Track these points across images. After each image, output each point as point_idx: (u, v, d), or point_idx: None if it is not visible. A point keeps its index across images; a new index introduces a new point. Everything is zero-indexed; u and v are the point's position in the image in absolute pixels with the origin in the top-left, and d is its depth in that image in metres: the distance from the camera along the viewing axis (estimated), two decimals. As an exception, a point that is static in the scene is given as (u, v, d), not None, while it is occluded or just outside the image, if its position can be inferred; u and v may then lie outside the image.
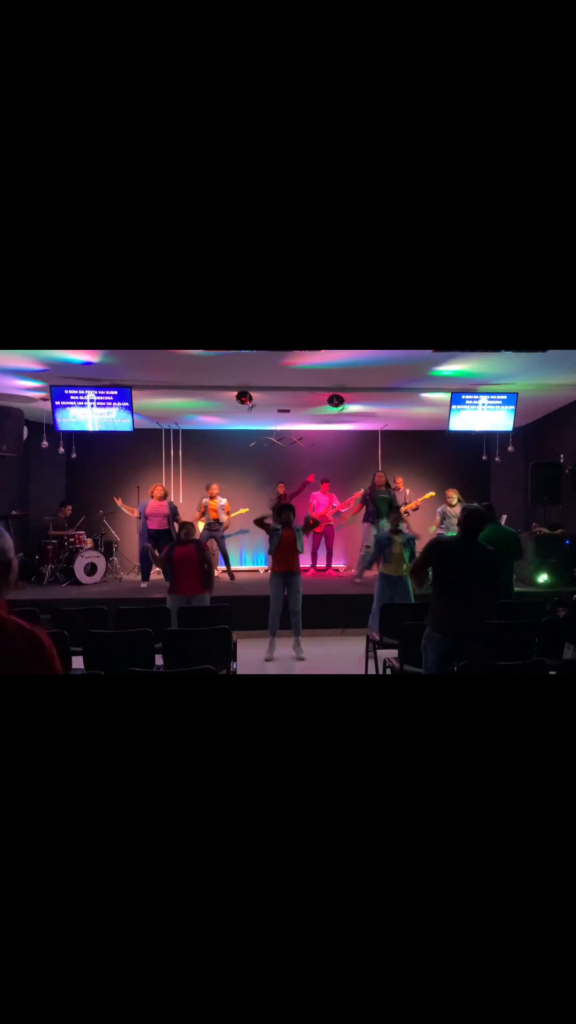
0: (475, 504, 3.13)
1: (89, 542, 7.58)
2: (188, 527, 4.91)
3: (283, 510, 5.31)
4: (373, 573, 7.09)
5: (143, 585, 6.93)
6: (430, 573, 2.91)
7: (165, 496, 7.10)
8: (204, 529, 7.42)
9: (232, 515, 7.67)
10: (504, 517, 7.80)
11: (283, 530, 5.19)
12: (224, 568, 7.51)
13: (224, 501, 7.57)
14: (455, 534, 3.08)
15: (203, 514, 7.49)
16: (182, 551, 4.79)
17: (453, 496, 7.06)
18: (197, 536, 5.07)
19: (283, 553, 5.18)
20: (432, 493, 7.55)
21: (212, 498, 7.50)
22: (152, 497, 7.02)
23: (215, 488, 7.57)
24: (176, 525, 5.12)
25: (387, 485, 7.22)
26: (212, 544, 7.21)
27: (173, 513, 7.01)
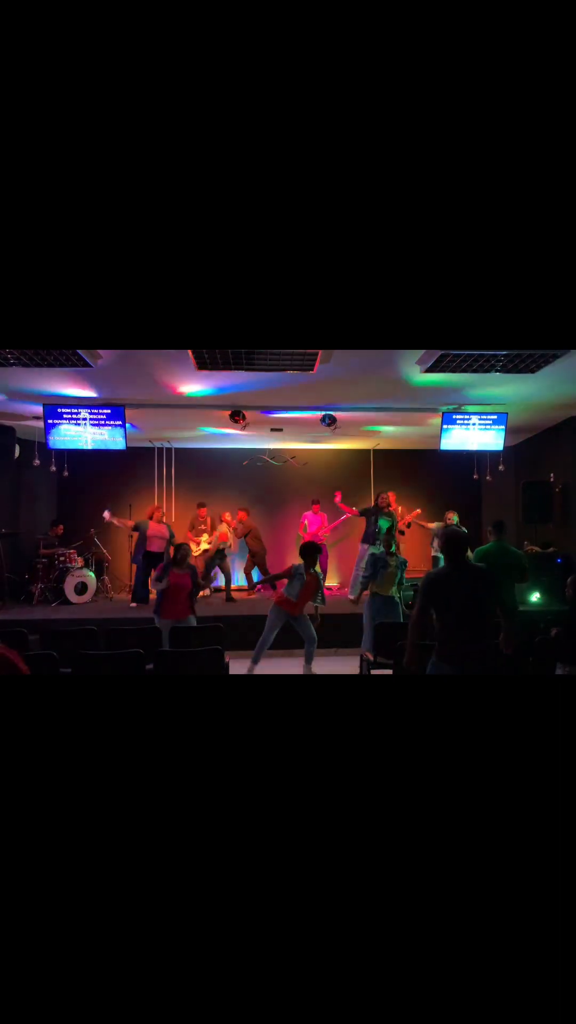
0: (454, 527, 3.09)
1: (80, 561, 7.52)
2: (184, 551, 4.86)
3: (308, 552, 4.89)
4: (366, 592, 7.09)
5: (132, 605, 6.87)
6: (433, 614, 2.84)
7: (163, 518, 7.06)
8: (216, 555, 7.38)
9: (216, 536, 7.67)
10: (496, 536, 7.85)
11: (307, 574, 4.83)
12: (223, 587, 7.51)
13: (224, 528, 7.58)
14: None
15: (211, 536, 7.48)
16: (177, 577, 4.75)
17: (453, 517, 7.07)
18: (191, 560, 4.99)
19: (302, 596, 4.84)
20: (419, 510, 7.59)
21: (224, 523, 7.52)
22: (151, 519, 6.94)
23: (227, 515, 7.63)
24: (171, 549, 5.00)
25: (388, 507, 7.22)
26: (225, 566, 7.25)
27: (171, 536, 6.97)
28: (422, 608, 2.84)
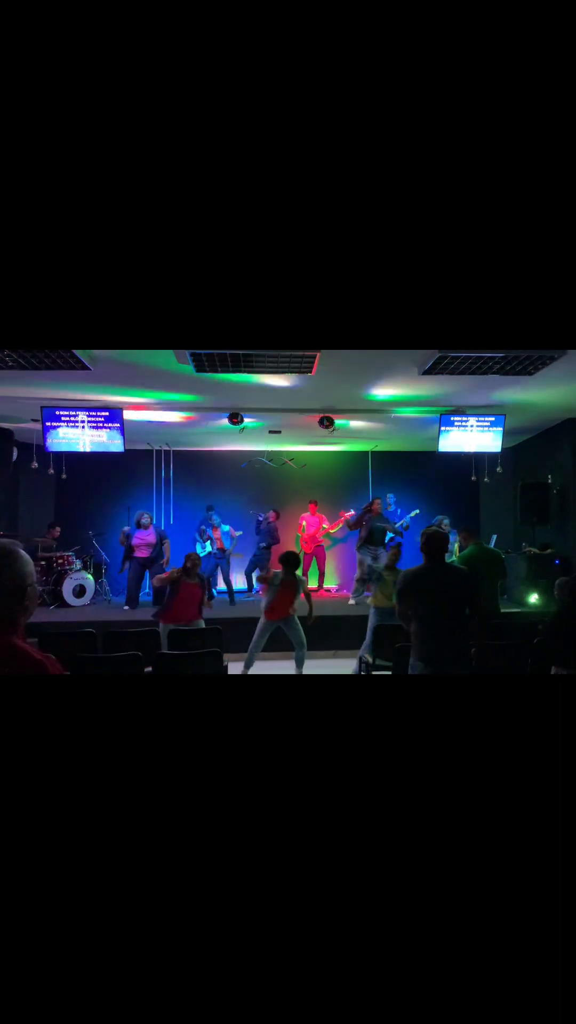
0: (433, 527, 3.08)
1: (78, 563, 7.51)
2: (194, 560, 4.82)
3: (287, 561, 4.84)
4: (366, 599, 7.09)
5: (125, 608, 6.87)
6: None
7: (151, 523, 7.04)
8: (211, 556, 7.35)
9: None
10: (495, 537, 7.87)
11: (284, 580, 4.81)
12: (225, 590, 7.50)
13: (227, 527, 7.55)
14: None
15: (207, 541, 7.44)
16: (189, 588, 4.73)
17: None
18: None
19: (281, 600, 4.82)
20: (417, 511, 7.61)
21: (215, 527, 7.48)
22: (139, 526, 6.92)
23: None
24: (185, 559, 4.89)
25: (383, 513, 7.24)
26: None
27: (160, 539, 6.94)
28: (401, 606, 2.92)
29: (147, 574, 6.93)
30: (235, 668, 4.43)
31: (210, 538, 7.41)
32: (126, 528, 7.04)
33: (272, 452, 8.61)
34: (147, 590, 7.25)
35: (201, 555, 6.95)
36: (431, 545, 2.90)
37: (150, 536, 6.92)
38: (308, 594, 5.01)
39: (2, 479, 6.84)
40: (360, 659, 4.88)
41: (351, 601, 7.19)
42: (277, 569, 4.97)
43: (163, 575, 4.97)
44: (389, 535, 7.11)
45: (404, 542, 7.27)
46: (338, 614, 6.40)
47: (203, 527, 7.54)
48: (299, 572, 4.96)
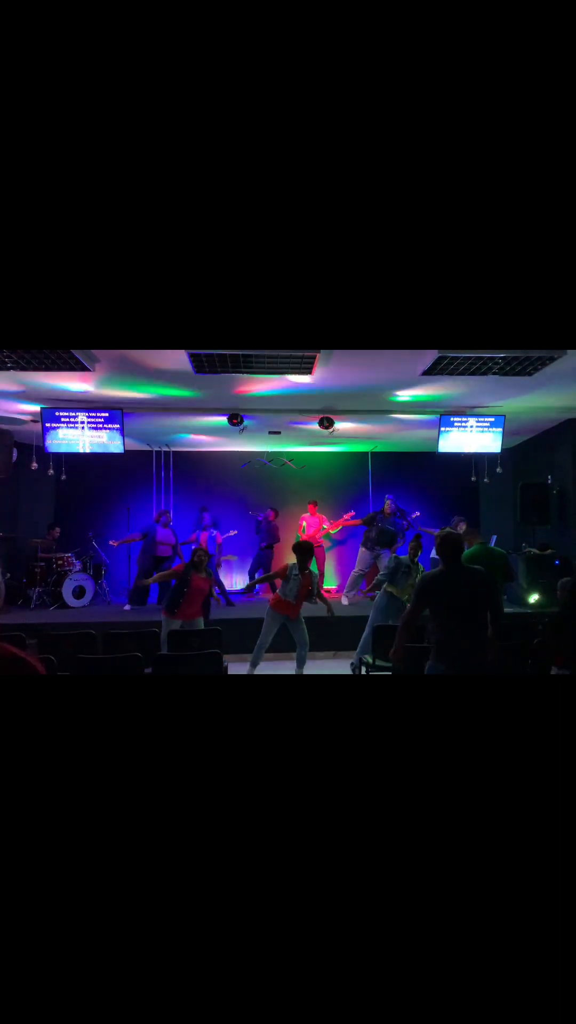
0: (448, 528, 3.07)
1: (78, 564, 7.51)
2: (201, 555, 4.83)
3: (301, 551, 4.80)
4: (360, 599, 7.09)
5: (126, 608, 6.88)
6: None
7: (170, 522, 7.13)
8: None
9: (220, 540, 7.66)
10: (495, 537, 7.87)
11: (302, 574, 4.79)
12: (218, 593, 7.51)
13: (215, 532, 7.58)
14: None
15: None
16: (199, 581, 4.76)
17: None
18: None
19: (299, 596, 4.81)
20: (418, 513, 7.61)
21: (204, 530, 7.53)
22: (158, 523, 6.99)
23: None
24: (196, 554, 4.90)
25: (396, 514, 7.25)
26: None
27: (177, 540, 7.06)
28: (415, 607, 2.89)
29: (155, 574, 6.96)
30: (235, 669, 4.42)
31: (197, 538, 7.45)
32: (134, 535, 7.07)
33: (272, 453, 8.61)
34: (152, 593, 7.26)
35: None
36: (445, 548, 2.89)
37: (170, 536, 7.02)
38: (320, 593, 5.01)
39: (2, 479, 6.83)
40: (359, 659, 4.88)
41: (344, 601, 7.19)
42: (281, 566, 4.98)
43: (169, 570, 4.98)
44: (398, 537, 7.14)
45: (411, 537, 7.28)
46: (337, 614, 6.38)
47: (197, 530, 7.57)
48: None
